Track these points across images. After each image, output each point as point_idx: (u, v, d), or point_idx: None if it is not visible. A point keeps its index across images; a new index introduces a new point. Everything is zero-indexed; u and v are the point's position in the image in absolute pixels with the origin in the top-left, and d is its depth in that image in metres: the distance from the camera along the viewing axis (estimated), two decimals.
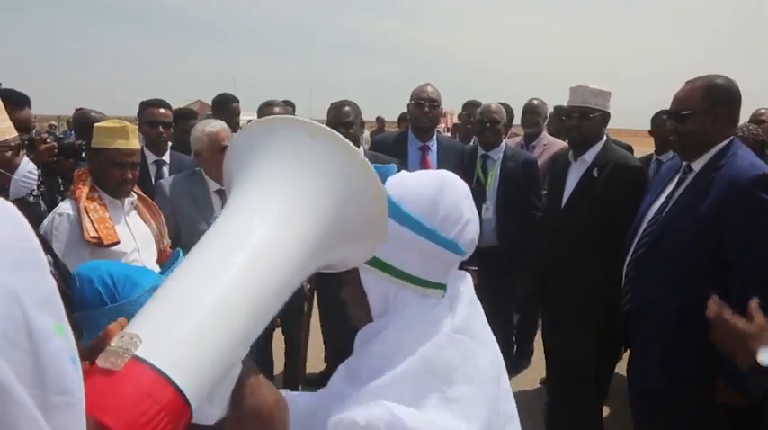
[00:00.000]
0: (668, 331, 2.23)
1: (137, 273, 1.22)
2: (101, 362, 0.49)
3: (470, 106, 5.21)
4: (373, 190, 0.68)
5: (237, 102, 3.94)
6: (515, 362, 4.52)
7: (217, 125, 2.86)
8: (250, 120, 3.14)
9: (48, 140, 2.80)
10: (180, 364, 0.50)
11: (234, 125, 3.46)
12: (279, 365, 3.60)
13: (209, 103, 3.93)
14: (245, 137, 0.67)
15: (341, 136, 0.66)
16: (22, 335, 0.31)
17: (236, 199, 0.63)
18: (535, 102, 4.34)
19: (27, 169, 1.93)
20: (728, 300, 2.05)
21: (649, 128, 4.08)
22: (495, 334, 3.69)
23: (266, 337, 3.15)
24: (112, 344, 0.51)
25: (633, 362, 2.56)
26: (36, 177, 1.94)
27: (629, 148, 4.00)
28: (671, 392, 2.25)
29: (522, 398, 3.88)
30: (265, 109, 3.26)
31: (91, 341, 0.62)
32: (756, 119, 3.61)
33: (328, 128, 0.66)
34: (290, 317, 3.17)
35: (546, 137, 4.33)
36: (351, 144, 0.66)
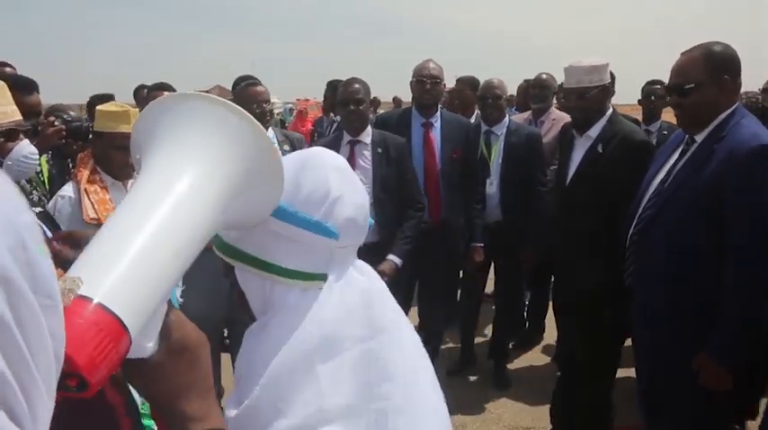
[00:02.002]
0: (662, 308, 2.21)
1: None
2: None
3: (462, 82, 5.16)
4: (261, 140, 0.73)
5: (255, 85, 3.63)
6: (526, 338, 4.55)
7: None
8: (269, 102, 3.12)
9: (55, 124, 2.86)
10: (118, 299, 0.58)
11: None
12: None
13: (229, 89, 3.89)
14: (148, 112, 0.75)
15: (230, 103, 0.72)
16: (19, 248, 0.37)
17: (152, 161, 0.71)
18: (543, 76, 4.27)
19: (23, 152, 1.95)
20: (724, 274, 2.05)
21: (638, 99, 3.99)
22: (504, 310, 3.67)
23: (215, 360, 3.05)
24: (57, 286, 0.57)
25: (634, 340, 2.55)
26: (36, 160, 1.97)
27: (637, 122, 3.92)
28: (666, 370, 2.24)
29: (532, 374, 3.96)
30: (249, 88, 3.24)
31: None
32: (765, 88, 3.47)
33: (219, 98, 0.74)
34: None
35: (554, 112, 4.26)
36: (239, 108, 0.72)
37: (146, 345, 0.65)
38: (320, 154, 0.87)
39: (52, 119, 2.91)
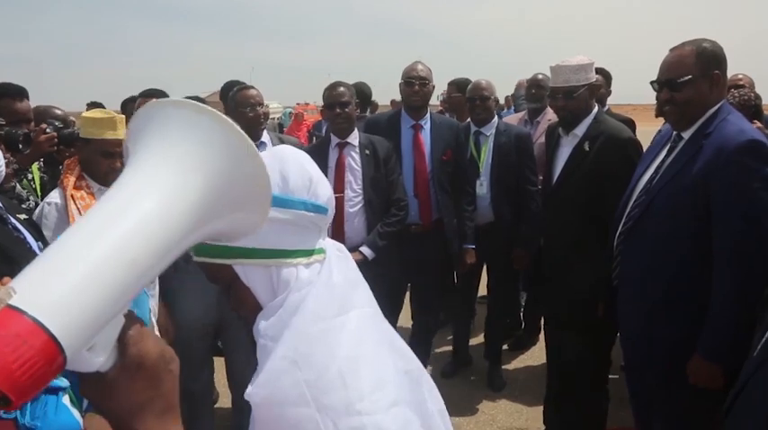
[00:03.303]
0: (649, 307, 2.20)
1: None
2: None
3: (452, 85, 5.15)
4: (251, 159, 0.71)
5: (247, 89, 3.50)
6: (523, 340, 4.53)
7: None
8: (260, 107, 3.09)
9: (47, 131, 2.88)
10: (51, 311, 0.55)
11: None
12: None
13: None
14: (137, 119, 0.72)
15: (221, 114, 0.70)
16: None
17: (126, 171, 0.69)
18: (540, 76, 4.26)
19: None
20: (710, 273, 2.04)
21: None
22: (497, 311, 3.65)
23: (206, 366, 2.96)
24: None
25: (621, 340, 2.54)
26: (1, 168, 1.91)
27: (630, 122, 3.90)
28: (655, 370, 2.23)
29: (528, 376, 3.95)
30: (241, 92, 3.24)
31: None
32: (735, 84, 3.44)
33: (210, 108, 0.70)
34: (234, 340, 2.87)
35: (550, 112, 4.24)
36: (230, 120, 0.69)
37: (94, 360, 0.63)
38: (287, 149, 0.96)
39: (44, 126, 2.93)
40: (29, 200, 2.83)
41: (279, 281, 0.89)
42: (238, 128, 0.69)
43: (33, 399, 1.29)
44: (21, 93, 3.04)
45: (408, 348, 1.02)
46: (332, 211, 0.96)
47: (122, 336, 0.66)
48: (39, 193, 2.91)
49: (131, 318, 0.67)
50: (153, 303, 2.49)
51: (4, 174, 1.96)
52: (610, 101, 4.56)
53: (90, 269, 0.59)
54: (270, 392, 0.83)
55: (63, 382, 1.37)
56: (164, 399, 0.68)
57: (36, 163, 3.02)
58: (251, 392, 0.85)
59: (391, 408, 0.85)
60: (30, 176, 2.96)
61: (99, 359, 0.63)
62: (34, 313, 0.54)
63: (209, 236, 0.75)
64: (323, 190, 0.93)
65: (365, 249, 3.01)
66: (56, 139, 2.91)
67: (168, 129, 0.69)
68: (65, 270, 0.58)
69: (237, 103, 3.11)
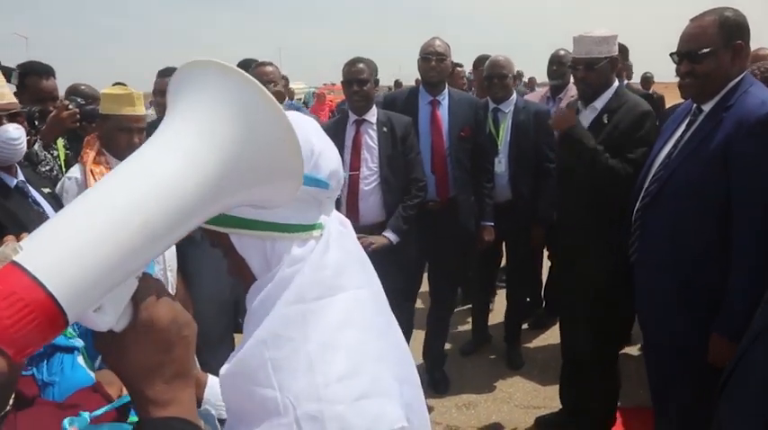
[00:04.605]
0: (669, 286, 2.16)
1: None
2: None
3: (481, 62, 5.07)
4: (281, 126, 0.69)
5: (264, 65, 3.55)
6: (543, 318, 4.51)
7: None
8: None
9: (69, 107, 2.94)
10: (52, 272, 0.56)
11: None
12: None
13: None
14: (171, 85, 0.72)
15: (249, 76, 0.68)
16: None
17: (150, 138, 0.68)
18: (561, 52, 4.17)
19: (5, 137, 1.88)
20: (729, 248, 1.99)
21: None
22: (516, 289, 3.65)
23: None
24: None
25: (639, 320, 2.51)
26: (20, 144, 1.93)
27: (649, 97, 3.80)
28: (674, 350, 2.19)
29: (546, 355, 3.94)
30: (257, 68, 3.27)
31: None
32: (757, 56, 3.28)
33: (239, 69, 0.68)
34: None
35: (572, 89, 4.16)
36: (259, 84, 0.68)
37: (101, 320, 0.63)
38: (297, 117, 0.91)
39: (66, 102, 3.00)
40: (55, 172, 2.90)
41: (273, 254, 0.86)
42: (264, 89, 0.67)
43: (48, 357, 1.35)
44: (47, 71, 3.11)
45: (403, 340, 0.98)
46: (337, 186, 0.92)
47: (134, 300, 0.66)
48: (63, 169, 2.98)
49: (147, 282, 0.68)
50: (171, 277, 2.55)
51: (25, 148, 2.02)
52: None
53: (94, 231, 0.59)
54: (239, 370, 0.81)
55: (78, 342, 1.43)
56: (175, 365, 0.69)
57: (62, 139, 3.10)
58: (223, 371, 0.83)
59: (360, 400, 0.79)
60: (55, 153, 3.04)
61: (107, 319, 0.64)
62: (35, 272, 0.55)
63: (235, 204, 0.73)
64: (325, 162, 0.89)
65: (390, 234, 3.00)
66: (78, 115, 2.98)
67: (194, 91, 0.68)
68: (69, 232, 0.59)
69: None
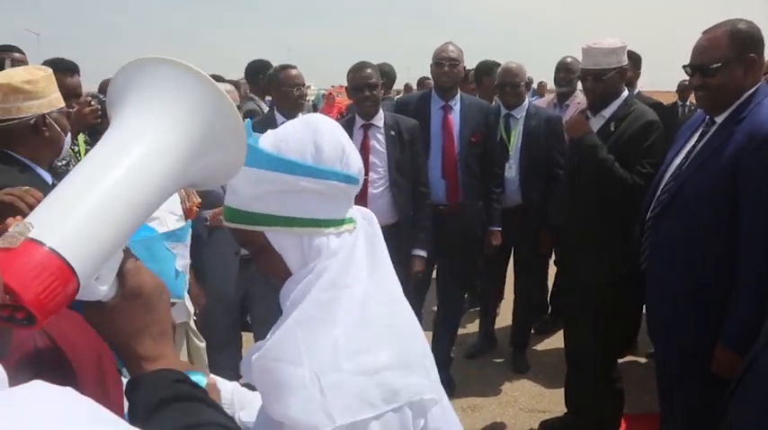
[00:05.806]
0: (677, 294, 2.18)
1: None
2: (0, 243, 0.62)
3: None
4: (225, 105, 0.77)
5: (289, 68, 3.38)
6: (549, 323, 4.51)
7: (222, 88, 2.98)
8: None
9: (92, 104, 3.00)
10: (67, 243, 0.63)
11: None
12: None
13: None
14: (120, 75, 0.79)
15: (196, 67, 0.76)
16: None
17: (117, 122, 0.76)
18: (568, 59, 4.20)
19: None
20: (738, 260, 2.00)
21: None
22: (524, 295, 3.71)
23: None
24: (10, 230, 0.63)
25: (648, 327, 2.52)
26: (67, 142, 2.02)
27: (659, 105, 3.84)
28: (682, 359, 2.21)
29: (552, 359, 3.96)
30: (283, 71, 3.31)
31: None
32: None
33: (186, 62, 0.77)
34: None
35: (579, 95, 4.20)
36: (203, 72, 0.76)
37: (99, 289, 0.71)
38: (321, 120, 0.98)
39: (88, 99, 3.06)
40: (69, 164, 2.96)
41: (310, 249, 0.92)
42: (204, 73, 0.76)
43: None
44: (72, 69, 3.15)
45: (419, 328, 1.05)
46: (362, 182, 0.99)
47: (122, 269, 0.74)
48: None
49: (128, 254, 0.76)
50: (180, 264, 2.59)
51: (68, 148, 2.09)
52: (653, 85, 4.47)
53: (95, 205, 0.67)
54: (272, 350, 0.88)
55: None
56: (159, 324, 0.76)
57: (83, 135, 3.16)
58: (256, 355, 0.90)
59: (381, 372, 0.87)
60: (75, 148, 3.10)
61: (103, 288, 0.72)
62: (51, 244, 0.62)
63: (195, 178, 0.80)
64: (354, 160, 0.96)
65: (420, 252, 3.13)
66: (99, 112, 3.04)
67: (142, 85, 0.76)
68: (72, 208, 0.66)
69: (281, 83, 3.20)
